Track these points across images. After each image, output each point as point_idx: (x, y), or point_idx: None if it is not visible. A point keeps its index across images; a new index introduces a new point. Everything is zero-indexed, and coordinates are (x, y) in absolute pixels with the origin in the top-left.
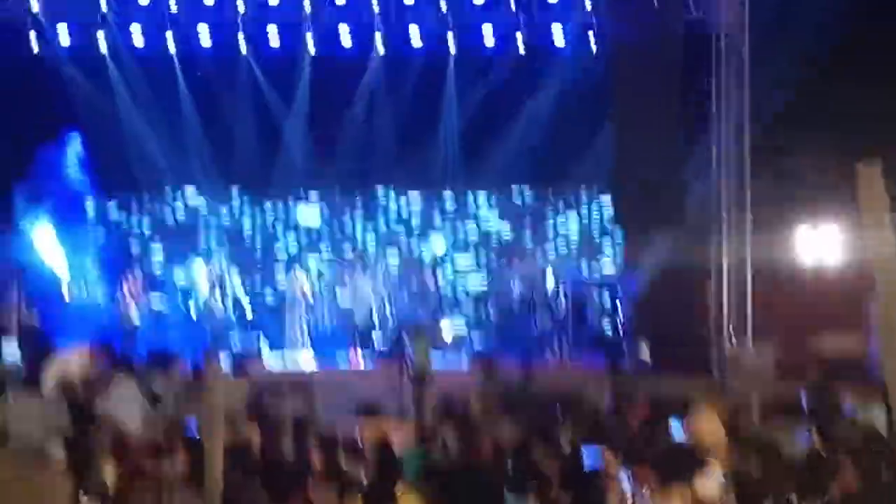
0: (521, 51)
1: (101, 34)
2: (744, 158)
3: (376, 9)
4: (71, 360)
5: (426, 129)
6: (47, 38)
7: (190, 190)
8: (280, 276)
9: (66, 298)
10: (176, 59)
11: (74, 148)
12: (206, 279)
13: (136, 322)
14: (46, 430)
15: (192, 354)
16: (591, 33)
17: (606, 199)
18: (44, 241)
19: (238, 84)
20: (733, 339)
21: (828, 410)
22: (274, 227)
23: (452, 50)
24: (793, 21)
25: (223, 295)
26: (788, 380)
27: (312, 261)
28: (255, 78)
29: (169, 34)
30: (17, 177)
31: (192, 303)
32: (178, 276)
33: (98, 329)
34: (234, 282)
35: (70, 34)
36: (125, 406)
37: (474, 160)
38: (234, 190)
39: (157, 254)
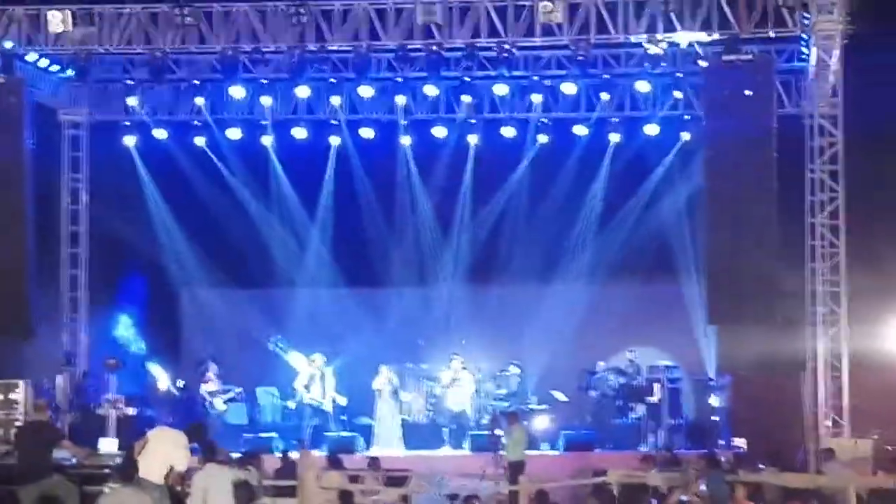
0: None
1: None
2: (840, 251)
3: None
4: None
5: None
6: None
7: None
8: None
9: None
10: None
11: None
12: (305, 375)
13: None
14: None
15: (287, 447)
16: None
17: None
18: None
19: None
20: (830, 432)
21: None
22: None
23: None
24: (887, 110)
25: (321, 390)
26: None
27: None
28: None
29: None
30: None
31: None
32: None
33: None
34: (330, 378)
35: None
36: (218, 497)
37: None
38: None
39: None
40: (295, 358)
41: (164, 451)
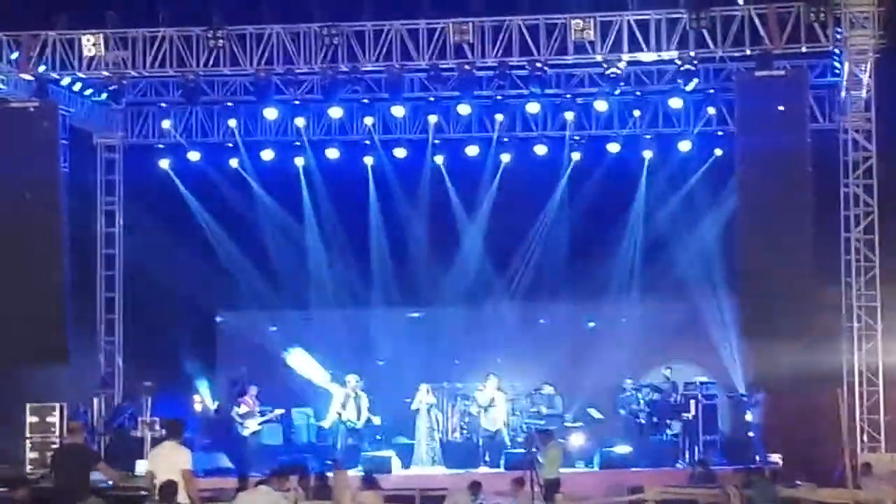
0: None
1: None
2: (875, 265)
3: None
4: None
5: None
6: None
7: None
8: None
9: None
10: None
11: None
12: (340, 395)
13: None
14: None
15: (321, 467)
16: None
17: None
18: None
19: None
20: (866, 446)
21: None
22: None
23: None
24: None
25: (356, 410)
26: None
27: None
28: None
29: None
30: None
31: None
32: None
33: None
34: (364, 398)
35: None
36: None
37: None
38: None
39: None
40: (311, 369)
41: (167, 463)
